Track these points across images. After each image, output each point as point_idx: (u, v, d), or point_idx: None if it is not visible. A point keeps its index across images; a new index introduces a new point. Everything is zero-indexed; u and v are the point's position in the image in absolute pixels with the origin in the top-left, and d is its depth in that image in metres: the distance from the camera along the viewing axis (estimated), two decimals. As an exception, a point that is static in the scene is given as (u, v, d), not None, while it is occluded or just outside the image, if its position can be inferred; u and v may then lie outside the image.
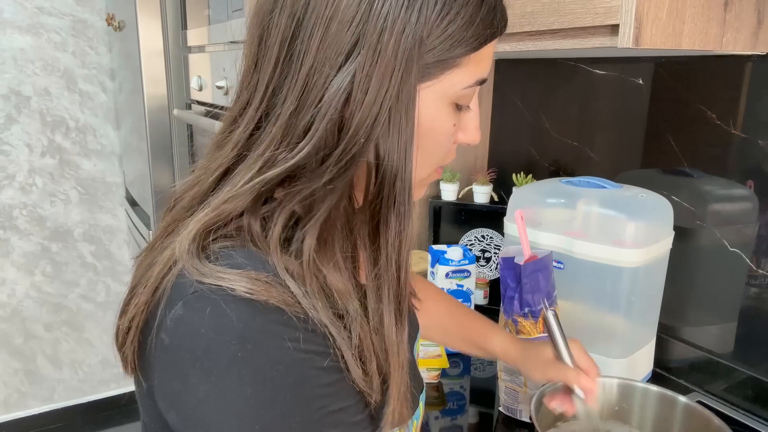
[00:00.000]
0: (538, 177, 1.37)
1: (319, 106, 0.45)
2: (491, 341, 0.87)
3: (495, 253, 1.45)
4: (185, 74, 1.85)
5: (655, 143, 1.14)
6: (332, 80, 0.45)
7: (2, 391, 2.30)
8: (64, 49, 2.15)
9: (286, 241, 0.47)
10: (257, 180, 0.46)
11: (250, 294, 0.42)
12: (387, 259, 0.48)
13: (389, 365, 0.49)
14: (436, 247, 1.25)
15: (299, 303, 0.44)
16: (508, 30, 0.88)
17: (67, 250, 2.30)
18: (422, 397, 0.65)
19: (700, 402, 0.80)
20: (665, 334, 1.11)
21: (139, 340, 0.47)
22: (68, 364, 2.40)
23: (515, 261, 0.93)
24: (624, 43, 0.69)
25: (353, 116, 0.45)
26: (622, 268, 0.94)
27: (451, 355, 1.21)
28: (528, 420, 0.96)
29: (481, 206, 1.46)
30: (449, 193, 1.49)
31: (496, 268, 1.44)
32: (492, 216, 1.45)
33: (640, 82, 1.15)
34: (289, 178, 0.48)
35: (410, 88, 0.46)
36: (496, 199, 1.48)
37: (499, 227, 1.45)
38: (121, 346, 0.50)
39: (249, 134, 0.49)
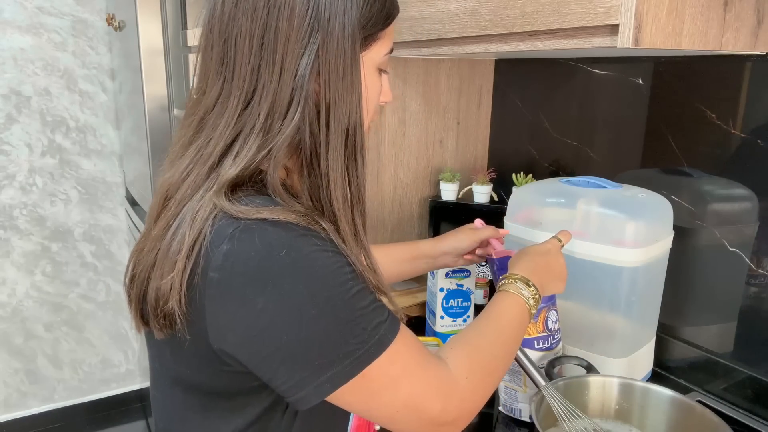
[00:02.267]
0: (538, 177, 1.37)
1: (295, 81, 0.59)
2: (419, 246, 1.05)
3: (495, 252, 1.46)
4: (185, 74, 1.85)
5: (655, 143, 1.14)
6: (300, 59, 0.58)
7: (2, 390, 2.30)
8: (64, 49, 2.15)
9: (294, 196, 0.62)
10: (266, 149, 0.59)
11: (285, 218, 0.56)
12: (357, 187, 0.63)
13: (372, 265, 0.63)
14: (436, 246, 1.25)
15: (318, 224, 0.58)
16: (509, 30, 0.88)
17: (67, 250, 2.30)
18: None
19: (699, 401, 0.80)
20: (665, 334, 1.12)
21: (187, 294, 0.56)
22: (68, 364, 2.40)
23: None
24: (624, 43, 0.69)
25: (327, 85, 0.59)
26: (622, 268, 0.94)
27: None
28: (528, 420, 0.96)
29: (481, 206, 1.46)
30: (449, 192, 1.49)
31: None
32: (492, 216, 1.45)
33: (640, 82, 1.15)
34: (294, 150, 0.61)
35: (357, 57, 0.61)
36: (496, 198, 1.48)
37: (499, 227, 1.44)
38: (162, 305, 0.58)
39: (238, 115, 0.60)
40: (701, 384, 1.07)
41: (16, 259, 2.23)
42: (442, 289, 1.20)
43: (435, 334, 1.22)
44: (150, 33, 1.81)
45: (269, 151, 0.59)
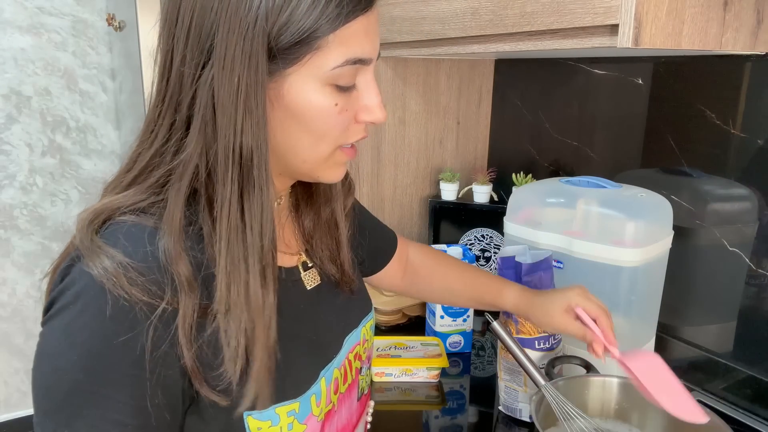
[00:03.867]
0: (537, 177, 1.37)
1: (192, 103, 0.51)
2: (502, 297, 0.88)
3: (494, 252, 1.46)
4: (185, 74, 1.85)
5: (654, 143, 1.14)
6: (198, 79, 0.51)
7: (3, 390, 2.30)
8: (65, 48, 2.16)
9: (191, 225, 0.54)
10: (156, 174, 0.54)
11: (102, 276, 0.49)
12: (251, 228, 0.52)
13: (254, 336, 0.52)
14: (436, 246, 1.25)
15: (146, 294, 0.49)
16: (509, 30, 0.88)
17: (67, 249, 2.30)
18: (369, 322, 0.72)
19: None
20: (665, 334, 1.12)
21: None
22: (69, 364, 2.40)
23: (516, 260, 0.93)
24: (623, 42, 0.69)
25: (222, 107, 0.50)
26: (622, 268, 0.94)
27: (451, 355, 1.21)
28: (528, 419, 0.96)
29: (481, 206, 1.46)
30: (449, 192, 1.49)
31: (497, 268, 1.44)
32: (492, 216, 1.45)
33: (640, 81, 1.15)
34: (202, 179, 0.53)
35: (258, 75, 0.50)
36: (495, 198, 1.48)
37: (498, 227, 1.45)
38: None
39: (151, 133, 0.56)
40: (701, 384, 1.07)
41: (16, 259, 2.23)
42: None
43: (435, 333, 1.22)
44: (150, 33, 1.81)
45: (166, 177, 0.54)
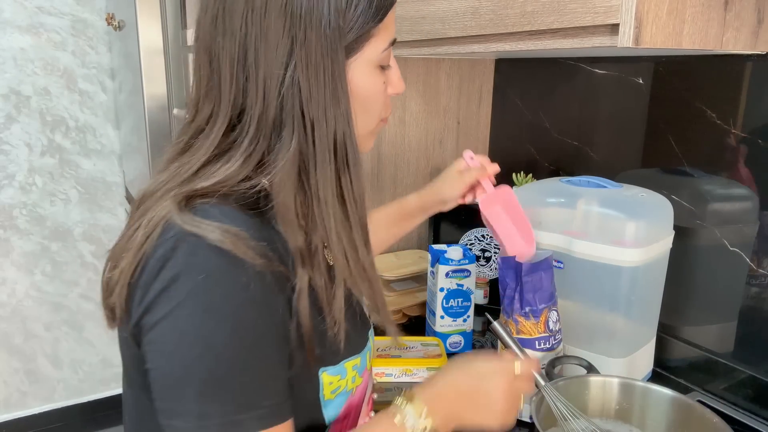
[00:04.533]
0: (538, 176, 1.37)
1: (279, 100, 0.57)
2: (408, 203, 1.05)
3: (495, 252, 1.46)
4: (185, 74, 1.85)
5: (655, 143, 1.14)
6: (283, 79, 0.57)
7: (2, 390, 2.30)
8: (64, 48, 2.15)
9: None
10: (249, 166, 0.58)
11: (220, 243, 0.52)
12: (352, 203, 0.60)
13: (368, 283, 0.61)
14: (436, 246, 1.25)
15: (263, 258, 0.54)
16: (509, 29, 0.88)
17: (67, 249, 2.30)
18: (371, 334, 0.77)
19: (700, 401, 0.80)
20: (665, 334, 1.12)
21: (127, 290, 0.57)
22: (68, 364, 2.40)
23: (516, 260, 0.93)
24: (624, 42, 0.69)
25: (309, 101, 0.57)
26: (622, 268, 0.94)
27: (451, 355, 1.21)
28: (528, 419, 0.96)
29: (481, 206, 1.46)
30: (449, 192, 1.49)
31: (497, 268, 1.44)
32: (492, 215, 1.45)
33: (640, 81, 1.15)
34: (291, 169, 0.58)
35: (341, 67, 0.58)
36: (496, 198, 1.48)
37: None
38: (107, 298, 0.59)
39: (222, 135, 0.59)
40: (701, 384, 1.07)
41: (16, 259, 2.23)
42: (442, 289, 1.20)
43: (435, 333, 1.22)
44: (150, 33, 1.81)
45: (261, 169, 0.58)
